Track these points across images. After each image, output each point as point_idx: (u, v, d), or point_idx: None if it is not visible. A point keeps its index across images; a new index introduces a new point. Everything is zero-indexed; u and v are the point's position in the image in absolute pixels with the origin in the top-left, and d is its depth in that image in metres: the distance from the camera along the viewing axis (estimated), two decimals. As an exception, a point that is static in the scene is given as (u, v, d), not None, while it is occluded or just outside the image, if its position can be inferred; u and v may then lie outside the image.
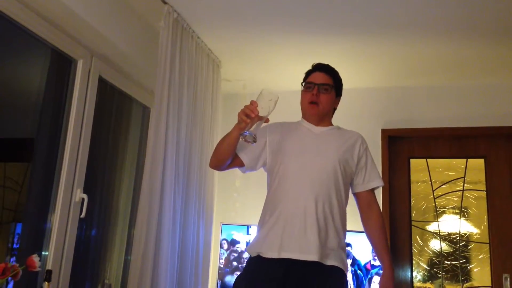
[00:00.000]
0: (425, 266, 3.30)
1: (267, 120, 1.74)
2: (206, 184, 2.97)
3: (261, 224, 1.91)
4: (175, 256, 2.54)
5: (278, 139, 1.97)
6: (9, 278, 1.71)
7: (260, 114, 1.68)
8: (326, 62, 2.11)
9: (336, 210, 1.86)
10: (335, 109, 2.08)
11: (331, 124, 2.05)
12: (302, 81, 2.05)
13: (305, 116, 2.04)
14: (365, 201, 1.98)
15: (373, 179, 1.98)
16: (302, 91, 2.04)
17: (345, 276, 1.84)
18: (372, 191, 2.00)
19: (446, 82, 3.41)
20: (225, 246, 3.28)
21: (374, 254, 2.96)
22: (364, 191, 1.98)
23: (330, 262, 1.78)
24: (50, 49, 2.32)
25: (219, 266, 3.26)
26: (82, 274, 2.57)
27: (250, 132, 1.69)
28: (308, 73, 2.07)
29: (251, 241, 1.95)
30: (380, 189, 3.28)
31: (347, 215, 1.95)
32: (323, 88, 1.97)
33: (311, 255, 1.75)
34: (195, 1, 2.56)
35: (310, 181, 1.85)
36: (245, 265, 1.92)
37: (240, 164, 1.97)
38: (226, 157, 1.91)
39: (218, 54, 3.18)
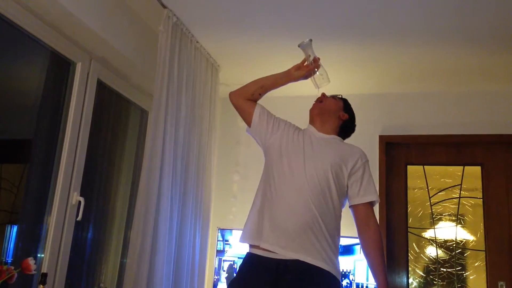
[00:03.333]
0: (421, 273, 3.30)
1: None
2: (203, 188, 2.97)
3: (254, 214, 1.93)
4: (171, 260, 2.53)
5: (287, 135, 2.05)
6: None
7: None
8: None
9: (327, 213, 1.87)
10: (343, 126, 2.13)
11: (334, 134, 2.10)
12: None
13: (310, 118, 2.13)
14: (361, 214, 1.95)
15: (368, 193, 1.95)
16: None
17: (338, 282, 1.84)
18: (369, 205, 1.96)
19: (444, 88, 3.42)
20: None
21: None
22: (360, 204, 1.95)
23: (322, 266, 1.79)
24: (49, 52, 2.32)
25: (215, 270, 3.25)
26: (78, 277, 2.56)
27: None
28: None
29: (244, 229, 1.96)
30: (377, 195, 3.30)
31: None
32: (331, 96, 2.15)
33: (299, 255, 1.78)
34: (194, 6, 2.56)
35: (302, 184, 1.88)
36: (239, 268, 1.94)
37: (250, 114, 2.08)
38: (262, 90, 2.11)
39: (217, 58, 3.18)
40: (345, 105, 2.16)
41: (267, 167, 2.03)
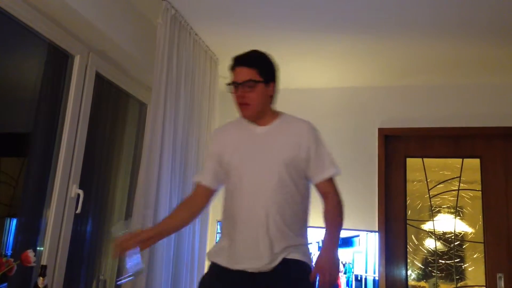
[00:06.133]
0: (419, 265, 3.31)
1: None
2: (202, 181, 2.97)
3: (221, 232, 1.91)
4: (170, 252, 2.54)
5: (222, 152, 1.90)
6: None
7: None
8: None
9: (291, 213, 1.79)
10: (272, 96, 1.88)
11: (273, 118, 1.88)
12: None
13: (246, 119, 1.89)
14: (321, 191, 1.87)
15: (326, 168, 1.84)
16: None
17: (309, 267, 1.77)
18: (329, 180, 1.86)
19: (443, 81, 3.41)
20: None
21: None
22: (320, 182, 1.85)
23: (291, 256, 1.75)
24: (47, 44, 2.31)
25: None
26: (77, 269, 2.57)
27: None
28: (231, 69, 1.86)
29: (211, 248, 1.94)
30: (376, 188, 3.31)
31: None
32: (246, 86, 1.78)
33: (264, 266, 1.72)
34: (193, -2, 2.55)
35: (258, 191, 1.78)
36: (207, 271, 1.90)
37: (211, 192, 1.96)
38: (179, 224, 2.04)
39: (215, 51, 3.17)
40: (265, 79, 1.81)
41: (225, 187, 1.92)
